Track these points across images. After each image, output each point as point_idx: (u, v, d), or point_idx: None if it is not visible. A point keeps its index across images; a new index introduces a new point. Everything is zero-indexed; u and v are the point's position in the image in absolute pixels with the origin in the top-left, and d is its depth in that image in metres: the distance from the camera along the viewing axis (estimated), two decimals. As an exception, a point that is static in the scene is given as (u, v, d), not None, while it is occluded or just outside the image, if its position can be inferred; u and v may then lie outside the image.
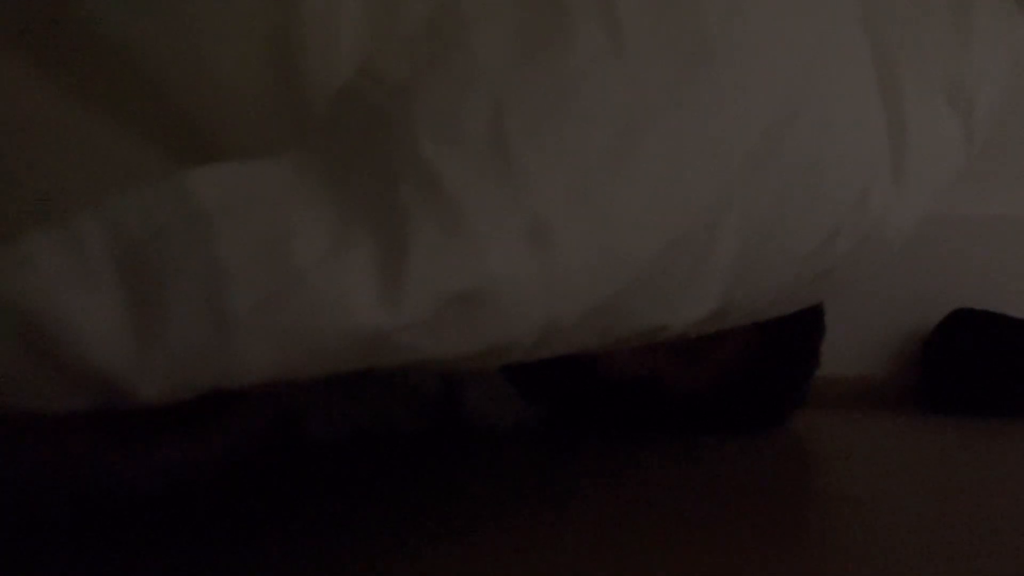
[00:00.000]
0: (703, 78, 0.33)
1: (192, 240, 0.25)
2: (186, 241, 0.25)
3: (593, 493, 0.48)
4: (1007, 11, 0.49)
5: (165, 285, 0.24)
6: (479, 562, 0.35)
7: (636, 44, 0.31)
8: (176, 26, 0.28)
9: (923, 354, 0.89)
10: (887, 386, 0.91)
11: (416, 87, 0.29)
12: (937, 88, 0.45)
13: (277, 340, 0.25)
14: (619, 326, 0.35)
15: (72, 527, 0.37)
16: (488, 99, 0.29)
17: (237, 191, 0.26)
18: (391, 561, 0.35)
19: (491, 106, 0.29)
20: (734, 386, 0.65)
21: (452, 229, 0.27)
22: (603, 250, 0.31)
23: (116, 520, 0.38)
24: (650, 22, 0.32)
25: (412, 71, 0.29)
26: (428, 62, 0.30)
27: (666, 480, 0.52)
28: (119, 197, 0.25)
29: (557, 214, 0.29)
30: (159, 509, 0.39)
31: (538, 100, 0.30)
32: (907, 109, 0.42)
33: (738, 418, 0.65)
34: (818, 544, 0.39)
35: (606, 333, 0.35)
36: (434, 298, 0.27)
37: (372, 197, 0.27)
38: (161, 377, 0.24)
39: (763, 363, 0.65)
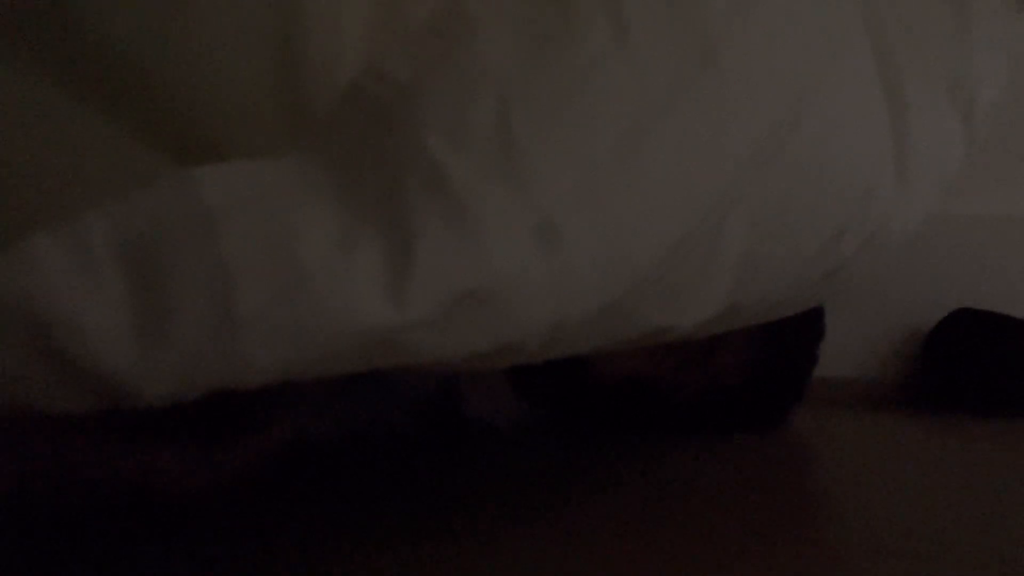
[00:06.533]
0: (708, 76, 0.33)
1: (197, 240, 0.24)
2: (191, 241, 0.24)
3: (592, 493, 0.48)
4: (1007, 11, 0.49)
5: (170, 285, 0.24)
6: (478, 562, 0.35)
7: (642, 42, 0.31)
8: (178, 26, 0.28)
9: (923, 354, 0.89)
10: (887, 386, 0.91)
11: (422, 85, 0.29)
12: (939, 86, 0.45)
13: (283, 340, 0.25)
14: (627, 326, 0.35)
15: (82, 528, 0.37)
16: (494, 97, 0.29)
17: (242, 190, 0.26)
18: (390, 561, 0.35)
19: (497, 104, 0.29)
20: (733, 388, 0.65)
21: (459, 227, 0.27)
22: (611, 249, 0.31)
23: (125, 522, 0.38)
24: (656, 20, 0.32)
25: (417, 69, 0.29)
26: (433, 60, 0.29)
27: (665, 480, 0.52)
28: (124, 197, 0.25)
29: (564, 212, 0.29)
30: (167, 515, 0.39)
31: (545, 98, 0.30)
32: (910, 107, 0.42)
33: (737, 420, 0.65)
34: (818, 544, 0.39)
35: (614, 333, 0.35)
36: (441, 296, 0.27)
37: (378, 195, 0.27)
38: (166, 377, 0.24)
39: (763, 365, 0.65)
